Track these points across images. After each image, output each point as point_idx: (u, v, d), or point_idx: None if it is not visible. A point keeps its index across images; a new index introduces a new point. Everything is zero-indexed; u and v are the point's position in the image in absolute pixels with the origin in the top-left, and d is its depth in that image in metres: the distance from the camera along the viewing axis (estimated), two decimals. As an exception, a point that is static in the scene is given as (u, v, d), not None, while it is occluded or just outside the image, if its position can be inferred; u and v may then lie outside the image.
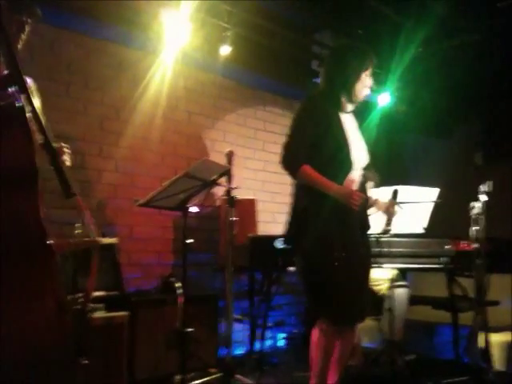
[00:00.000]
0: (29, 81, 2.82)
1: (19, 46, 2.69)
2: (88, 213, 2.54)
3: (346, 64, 2.96)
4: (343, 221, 2.84)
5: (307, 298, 3.08)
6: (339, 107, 3.02)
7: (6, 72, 1.70)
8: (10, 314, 1.56)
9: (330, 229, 2.81)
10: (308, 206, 2.89)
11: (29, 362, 1.58)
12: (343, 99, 3.02)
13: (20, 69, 1.73)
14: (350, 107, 3.07)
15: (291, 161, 2.88)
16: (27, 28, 2.67)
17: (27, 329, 1.57)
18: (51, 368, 1.61)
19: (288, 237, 3.05)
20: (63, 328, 1.62)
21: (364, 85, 3.01)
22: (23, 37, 2.68)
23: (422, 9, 4.86)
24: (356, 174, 2.98)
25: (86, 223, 2.55)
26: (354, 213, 2.86)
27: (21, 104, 1.66)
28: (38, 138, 1.78)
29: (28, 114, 1.75)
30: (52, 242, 1.67)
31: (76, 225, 2.66)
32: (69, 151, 2.87)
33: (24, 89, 1.73)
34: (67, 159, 2.80)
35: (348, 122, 3.02)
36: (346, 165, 2.90)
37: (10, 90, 1.69)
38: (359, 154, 2.97)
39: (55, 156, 1.80)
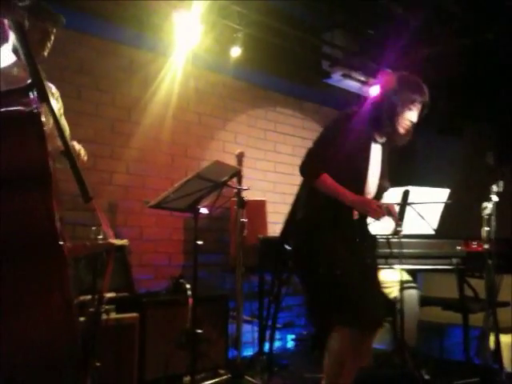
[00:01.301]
0: (53, 88, 2.86)
1: (45, 54, 2.72)
2: (103, 215, 2.56)
3: (398, 91, 2.91)
4: (343, 233, 2.84)
5: (312, 302, 3.08)
6: (374, 135, 2.98)
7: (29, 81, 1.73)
8: (15, 313, 1.58)
9: (329, 241, 2.82)
10: (307, 216, 2.91)
11: (33, 362, 1.60)
12: (379, 130, 2.98)
13: (41, 76, 1.75)
14: (383, 138, 3.03)
15: (312, 168, 2.88)
16: (52, 36, 2.70)
17: (31, 329, 1.59)
18: (57, 369, 1.62)
19: (282, 241, 3.06)
20: (71, 329, 1.63)
21: (405, 117, 2.95)
22: (49, 44, 2.71)
23: (433, 8, 4.84)
24: None
25: (102, 226, 2.57)
26: (354, 225, 2.89)
27: (39, 111, 1.68)
28: (59, 143, 1.80)
29: (44, 119, 1.77)
30: (64, 243, 1.68)
31: (92, 228, 2.68)
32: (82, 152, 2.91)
33: (45, 96, 1.75)
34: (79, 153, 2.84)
35: (375, 153, 2.99)
36: (355, 192, 2.87)
37: (31, 97, 1.71)
38: (371, 189, 2.96)
39: (74, 161, 1.82)
